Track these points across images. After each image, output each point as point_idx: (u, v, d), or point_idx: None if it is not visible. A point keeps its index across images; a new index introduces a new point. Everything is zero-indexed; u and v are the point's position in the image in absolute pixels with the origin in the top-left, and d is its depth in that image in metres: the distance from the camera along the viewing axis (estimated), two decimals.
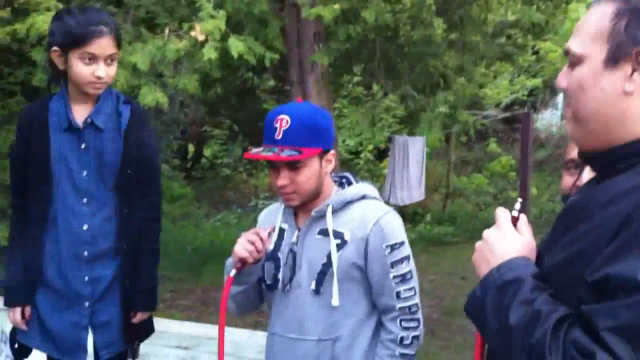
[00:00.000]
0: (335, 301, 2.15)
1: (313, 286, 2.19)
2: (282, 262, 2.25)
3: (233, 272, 2.16)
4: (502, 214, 1.33)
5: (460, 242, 10.17)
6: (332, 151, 2.21)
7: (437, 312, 6.72)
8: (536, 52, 14.99)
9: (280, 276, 2.25)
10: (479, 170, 14.24)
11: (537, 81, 15.11)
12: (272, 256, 2.27)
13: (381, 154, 12.90)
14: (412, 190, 9.75)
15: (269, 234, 2.20)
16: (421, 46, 7.34)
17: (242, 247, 2.13)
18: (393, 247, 2.17)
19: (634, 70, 1.14)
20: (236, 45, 5.50)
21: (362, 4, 6.19)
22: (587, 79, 1.18)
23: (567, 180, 1.88)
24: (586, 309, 1.02)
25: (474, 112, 11.32)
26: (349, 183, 2.31)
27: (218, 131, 14.10)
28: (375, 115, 8.59)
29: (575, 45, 1.20)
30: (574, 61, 1.20)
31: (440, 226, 11.19)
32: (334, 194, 2.25)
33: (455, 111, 7.88)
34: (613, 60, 1.15)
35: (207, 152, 15.67)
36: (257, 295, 2.35)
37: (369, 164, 13.04)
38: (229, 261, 2.23)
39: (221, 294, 2.19)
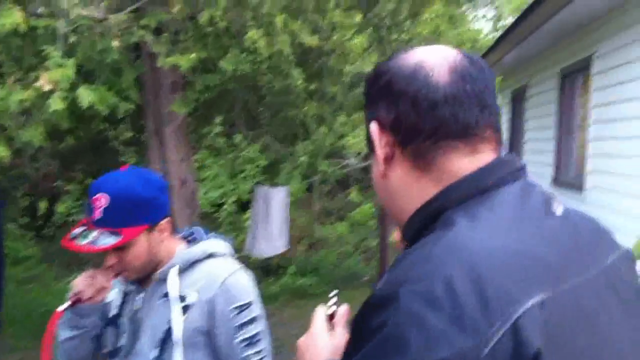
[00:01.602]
0: None
1: (155, 353, 2.01)
2: (124, 328, 2.06)
3: (63, 306, 1.95)
4: (317, 316, 1.27)
5: (324, 292, 10.13)
6: (166, 219, 2.03)
7: None
8: None
9: (121, 343, 2.06)
10: (341, 219, 14.43)
11: None
12: (114, 321, 2.08)
13: (245, 206, 12.76)
14: (275, 241, 9.64)
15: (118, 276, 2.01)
16: (281, 96, 7.39)
17: (81, 280, 1.96)
18: (241, 309, 2.03)
19: (382, 154, 1.07)
20: (86, 95, 5.26)
21: (221, 54, 6.13)
22: (373, 175, 1.13)
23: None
24: None
25: (335, 160, 11.52)
26: (197, 239, 2.16)
27: (72, 186, 13.41)
28: (237, 165, 8.49)
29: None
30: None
31: (305, 277, 11.13)
32: (179, 253, 2.09)
33: (315, 160, 7.93)
34: (370, 145, 1.10)
35: (60, 208, 14.81)
36: (87, 355, 2.12)
37: (232, 216, 12.86)
38: None
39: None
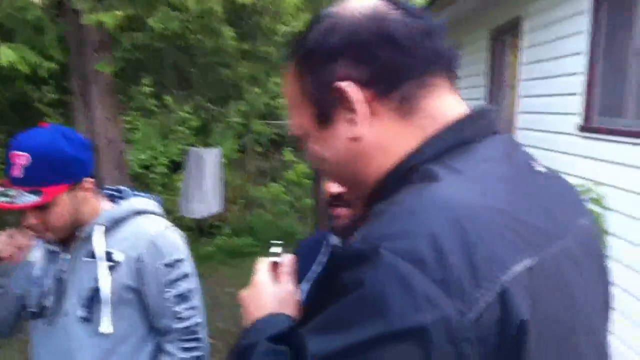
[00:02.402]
0: (105, 328, 1.95)
1: (82, 313, 1.98)
2: (48, 288, 2.02)
3: None
4: (259, 267, 1.20)
5: (260, 252, 10.12)
6: (88, 178, 1.97)
7: (236, 325, 6.61)
8: None
9: (46, 303, 2.01)
10: (276, 179, 14.41)
11: None
12: (39, 281, 2.03)
13: (177, 167, 12.56)
14: (209, 202, 9.57)
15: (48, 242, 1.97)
16: (212, 56, 7.23)
17: (1, 239, 1.91)
18: (170, 265, 2.01)
19: (350, 113, 0.96)
20: (6, 54, 5.02)
21: (148, 11, 5.93)
22: (320, 150, 1.01)
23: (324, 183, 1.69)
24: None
25: (269, 122, 11.43)
26: (124, 197, 2.10)
27: None
28: (168, 127, 8.31)
29: (292, 127, 1.05)
30: (303, 140, 1.04)
31: (239, 237, 11.11)
32: (104, 212, 2.04)
33: (248, 121, 7.84)
34: (324, 117, 0.98)
35: None
36: (9, 315, 2.08)
37: (164, 177, 12.65)
38: None
39: None
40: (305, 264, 1.36)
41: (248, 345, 1.00)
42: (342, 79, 0.95)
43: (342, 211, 1.56)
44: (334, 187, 1.54)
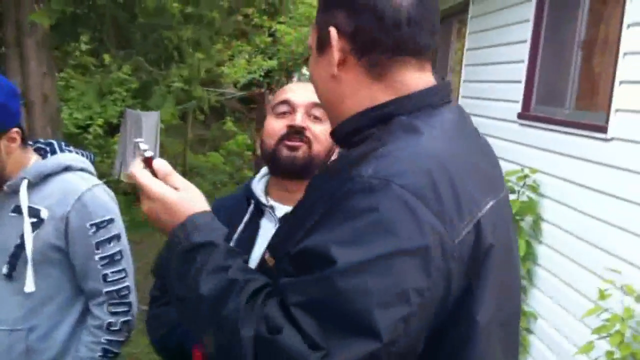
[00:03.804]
0: (29, 287, 1.87)
1: (4, 270, 1.90)
2: None
3: None
4: (142, 175, 1.18)
5: None
6: (15, 129, 1.88)
7: None
8: (272, 34, 15.36)
9: None
10: (216, 148, 14.23)
11: (273, 63, 15.50)
12: None
13: (114, 129, 12.24)
14: None
15: None
16: (155, 16, 7.01)
17: None
18: (99, 226, 1.93)
19: (337, 58, 1.14)
20: None
21: None
22: (313, 69, 1.22)
23: (274, 123, 1.66)
24: (282, 283, 1.00)
25: (211, 89, 11.24)
26: (54, 152, 2.00)
27: None
28: (106, 86, 8.05)
29: (310, 37, 1.24)
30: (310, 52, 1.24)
31: None
32: (32, 165, 1.93)
33: (190, 86, 7.67)
34: (320, 47, 1.17)
35: None
36: None
37: (99, 139, 12.32)
38: None
39: None
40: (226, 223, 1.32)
41: (204, 242, 1.09)
42: (335, 26, 1.13)
43: (302, 144, 1.59)
44: (301, 122, 1.59)
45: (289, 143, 1.58)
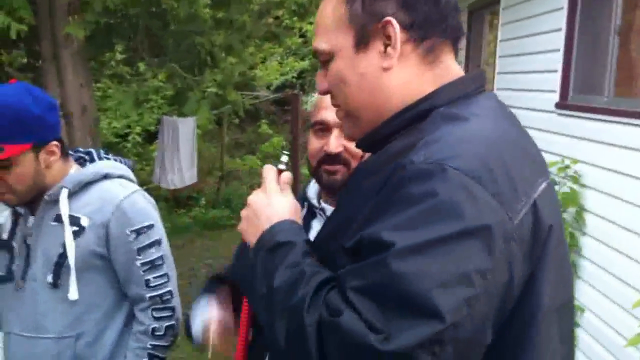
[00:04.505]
0: (73, 294, 1.90)
1: (49, 279, 1.93)
2: (16, 252, 1.95)
3: None
4: (269, 173, 1.31)
5: (236, 224, 10.05)
6: (54, 142, 1.90)
7: None
8: (303, 35, 15.38)
9: (14, 268, 1.95)
10: (252, 151, 14.30)
11: (305, 64, 15.52)
12: (6, 245, 1.96)
13: (151, 137, 12.39)
14: (184, 173, 9.45)
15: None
16: (187, 23, 7.07)
17: None
18: (139, 232, 1.95)
19: (386, 46, 1.13)
20: None
21: None
22: (345, 71, 1.17)
23: (315, 143, 1.70)
24: (341, 272, 1.01)
25: (245, 93, 11.30)
26: (92, 160, 2.03)
27: None
28: (142, 94, 8.14)
29: (321, 43, 1.19)
30: (327, 59, 1.19)
31: (216, 209, 11.03)
32: (71, 174, 1.96)
33: (224, 90, 7.71)
34: (362, 42, 1.15)
35: None
36: None
37: (138, 147, 12.48)
38: None
39: None
40: None
41: (285, 241, 1.13)
42: (389, 16, 1.12)
43: (339, 167, 1.61)
44: (335, 148, 1.60)
45: (328, 167, 1.61)
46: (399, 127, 1.13)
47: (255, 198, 1.26)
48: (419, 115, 1.11)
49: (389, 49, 1.13)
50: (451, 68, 1.17)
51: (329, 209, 1.65)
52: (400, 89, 1.14)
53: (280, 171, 1.32)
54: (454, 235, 0.93)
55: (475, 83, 1.17)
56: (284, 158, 1.34)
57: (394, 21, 1.11)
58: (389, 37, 1.12)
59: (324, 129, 1.62)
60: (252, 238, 1.20)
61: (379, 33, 1.13)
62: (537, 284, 1.03)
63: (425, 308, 0.90)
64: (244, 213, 1.27)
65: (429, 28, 1.13)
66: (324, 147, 1.61)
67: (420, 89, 1.14)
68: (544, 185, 1.07)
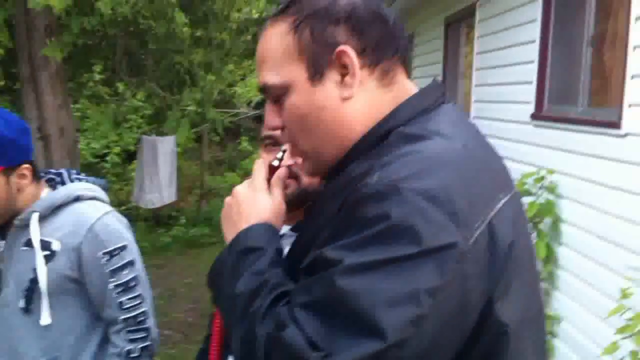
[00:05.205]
0: (44, 320, 1.89)
1: (22, 304, 1.91)
2: None
3: None
4: (259, 169, 1.26)
5: (217, 242, 10.05)
6: (25, 165, 1.90)
7: (194, 316, 6.50)
8: None
9: None
10: (233, 168, 14.29)
11: None
12: None
13: (131, 156, 12.35)
14: (163, 191, 9.42)
15: None
16: (165, 42, 7.09)
17: None
18: (112, 254, 1.94)
19: (343, 75, 1.09)
20: None
21: None
22: (304, 105, 1.11)
23: (266, 158, 1.61)
24: (293, 288, 1.02)
25: (225, 110, 11.31)
26: (63, 182, 2.02)
27: None
28: (120, 115, 8.13)
29: (271, 77, 1.12)
30: (279, 93, 1.13)
31: (196, 227, 10.98)
32: (42, 198, 1.95)
33: (203, 108, 7.72)
34: (317, 73, 1.10)
35: None
36: None
37: (117, 167, 12.42)
38: None
39: None
40: None
41: (256, 247, 1.12)
42: (342, 44, 1.08)
43: (290, 181, 1.53)
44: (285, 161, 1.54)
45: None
46: (360, 153, 1.09)
47: (241, 189, 1.24)
48: (379, 137, 1.08)
49: (347, 78, 1.09)
50: (407, 86, 1.15)
51: (285, 228, 1.60)
52: (363, 117, 1.11)
53: (272, 168, 1.27)
54: (404, 257, 0.91)
55: (433, 95, 1.15)
56: (279, 154, 1.29)
57: (348, 49, 1.08)
58: (345, 66, 1.08)
59: (275, 143, 1.56)
60: (228, 235, 1.20)
61: (333, 62, 1.09)
62: (502, 300, 1.00)
63: (367, 326, 0.89)
64: (227, 200, 1.25)
65: (382, 51, 1.11)
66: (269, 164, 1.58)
67: (381, 113, 1.11)
68: (504, 200, 1.04)
